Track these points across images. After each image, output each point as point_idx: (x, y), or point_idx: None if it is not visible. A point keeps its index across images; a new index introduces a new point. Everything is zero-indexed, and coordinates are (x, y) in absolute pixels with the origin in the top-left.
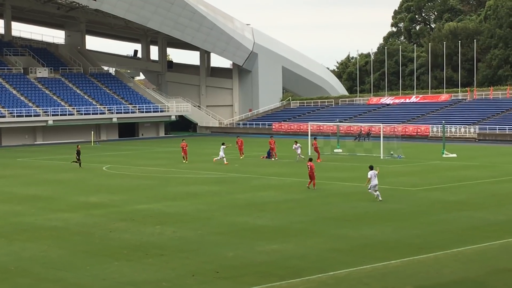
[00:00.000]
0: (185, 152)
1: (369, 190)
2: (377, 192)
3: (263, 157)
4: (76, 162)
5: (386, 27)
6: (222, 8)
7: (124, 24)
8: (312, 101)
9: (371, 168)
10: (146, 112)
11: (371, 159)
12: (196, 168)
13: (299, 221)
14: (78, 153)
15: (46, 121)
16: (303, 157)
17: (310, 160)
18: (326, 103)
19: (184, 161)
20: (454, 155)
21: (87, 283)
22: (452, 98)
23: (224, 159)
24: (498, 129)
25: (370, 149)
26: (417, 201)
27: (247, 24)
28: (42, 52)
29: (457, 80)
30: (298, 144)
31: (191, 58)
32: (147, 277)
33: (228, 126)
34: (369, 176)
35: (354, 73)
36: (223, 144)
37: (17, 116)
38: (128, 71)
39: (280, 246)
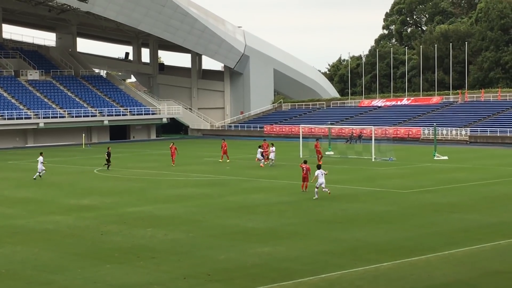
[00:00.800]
0: (172, 155)
1: (316, 189)
2: (325, 189)
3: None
4: (106, 164)
5: (377, 30)
6: (213, 11)
7: (115, 27)
8: (303, 103)
9: (319, 168)
10: (137, 114)
11: (362, 162)
12: (187, 171)
13: (291, 223)
14: (109, 155)
15: (37, 123)
16: (273, 159)
17: (305, 162)
18: (318, 106)
19: (172, 165)
20: (446, 157)
21: (78, 286)
22: (444, 100)
23: (261, 161)
24: (489, 131)
25: (361, 152)
26: (408, 203)
27: (239, 27)
28: (33, 55)
29: (448, 83)
30: (273, 148)
31: (183, 60)
32: (138, 280)
33: (220, 128)
34: (316, 174)
35: (345, 75)
36: (260, 147)
37: (8, 119)
38: (119, 73)
39: (271, 249)
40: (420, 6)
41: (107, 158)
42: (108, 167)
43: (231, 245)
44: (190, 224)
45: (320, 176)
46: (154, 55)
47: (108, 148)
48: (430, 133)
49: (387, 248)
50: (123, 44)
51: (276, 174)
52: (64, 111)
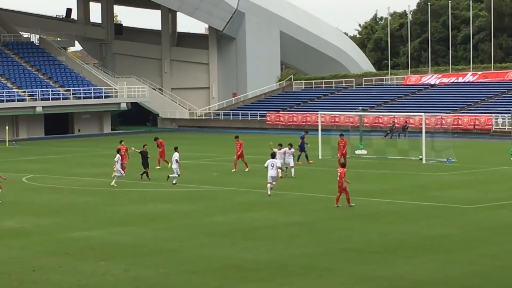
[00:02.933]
0: (123, 159)
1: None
2: (272, 183)
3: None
4: (143, 173)
5: None
6: None
7: None
8: (323, 81)
9: (273, 156)
10: (84, 98)
11: (408, 164)
12: (156, 179)
13: (305, 254)
14: (144, 156)
15: None
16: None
17: (343, 165)
18: (344, 84)
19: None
20: None
21: None
22: None
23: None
24: None
25: (406, 150)
26: (475, 224)
27: None
28: None
29: None
30: (291, 149)
31: (149, 20)
32: None
33: (203, 118)
34: (265, 165)
35: (383, 40)
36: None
37: None
38: (59, 39)
39: None
40: None
41: (143, 161)
42: (143, 176)
43: (219, 285)
44: (160, 255)
45: (270, 168)
46: (107, 13)
47: (143, 147)
48: (506, 123)
49: None
50: None
51: (284, 182)
52: None
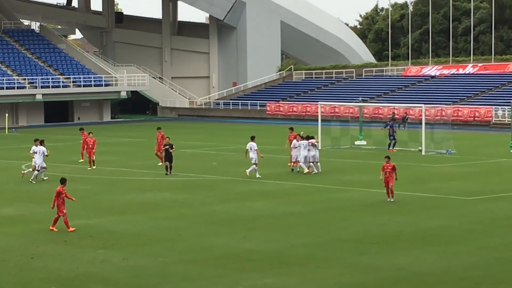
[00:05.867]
0: (89, 150)
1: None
2: (253, 167)
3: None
4: (167, 170)
5: None
6: None
7: None
8: (323, 71)
9: (252, 139)
10: (84, 86)
11: (408, 155)
12: (155, 168)
13: (304, 244)
14: (167, 151)
15: None
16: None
17: (388, 158)
18: (344, 75)
19: (88, 166)
20: None
21: None
22: None
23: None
24: None
25: (406, 141)
26: (474, 216)
27: None
28: None
29: None
30: (310, 140)
31: (150, 9)
32: None
33: (203, 107)
34: (247, 147)
35: (384, 31)
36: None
37: None
38: (59, 27)
39: (276, 281)
40: None
41: (164, 155)
42: (168, 171)
43: (218, 274)
44: (159, 244)
45: (250, 151)
46: (108, 1)
47: (167, 139)
48: (506, 115)
49: (442, 280)
50: None
51: (283, 172)
52: None
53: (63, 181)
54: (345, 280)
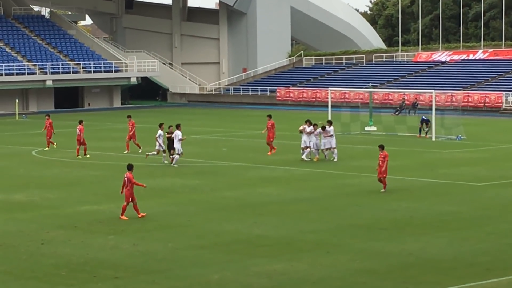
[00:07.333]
0: (80, 141)
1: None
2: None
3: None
4: (172, 155)
5: None
6: None
7: None
8: (333, 57)
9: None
10: (94, 72)
11: (418, 141)
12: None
13: (314, 230)
14: (170, 140)
15: None
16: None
17: (382, 147)
18: (354, 61)
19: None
20: None
21: None
22: None
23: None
24: None
25: (416, 127)
26: (484, 202)
27: None
28: None
29: None
30: (316, 129)
31: None
32: None
33: (213, 93)
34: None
35: (394, 17)
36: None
37: None
38: (69, 12)
39: (286, 266)
40: None
41: (168, 143)
42: (172, 160)
43: (228, 260)
44: (169, 230)
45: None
46: None
47: (169, 128)
48: None
49: (452, 266)
50: None
51: (292, 158)
52: None
53: (131, 167)
54: (355, 266)
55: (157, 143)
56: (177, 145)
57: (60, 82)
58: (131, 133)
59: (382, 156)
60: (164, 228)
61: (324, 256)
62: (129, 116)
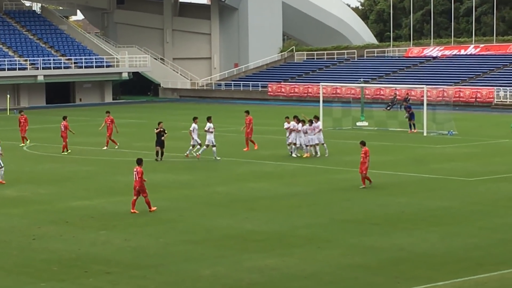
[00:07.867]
0: (65, 137)
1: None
2: (200, 148)
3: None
4: (158, 155)
5: None
6: None
7: None
8: (325, 52)
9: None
10: (85, 67)
11: (409, 136)
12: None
13: (306, 224)
14: (159, 136)
15: None
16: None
17: (363, 143)
18: (346, 56)
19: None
20: None
21: None
22: None
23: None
24: None
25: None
26: (475, 197)
27: None
28: None
29: None
30: (304, 125)
31: None
32: None
33: (205, 88)
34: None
35: (386, 12)
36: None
37: None
38: (60, 8)
39: (278, 261)
40: None
41: (156, 139)
42: (159, 157)
43: (219, 255)
44: (160, 225)
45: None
46: None
47: (159, 124)
48: (508, 96)
49: (444, 261)
50: None
51: (284, 154)
52: None
53: (140, 162)
54: (346, 261)
55: (192, 138)
56: (209, 136)
57: (51, 78)
58: (109, 129)
59: (363, 152)
60: (156, 223)
61: (315, 251)
62: (107, 112)
